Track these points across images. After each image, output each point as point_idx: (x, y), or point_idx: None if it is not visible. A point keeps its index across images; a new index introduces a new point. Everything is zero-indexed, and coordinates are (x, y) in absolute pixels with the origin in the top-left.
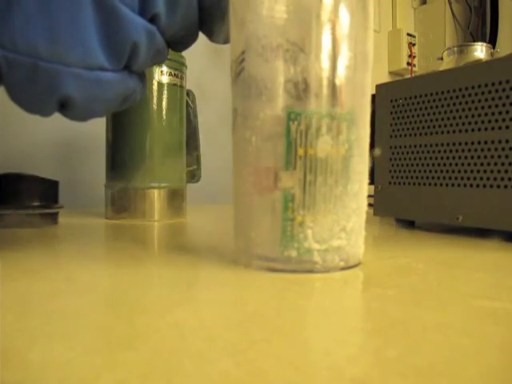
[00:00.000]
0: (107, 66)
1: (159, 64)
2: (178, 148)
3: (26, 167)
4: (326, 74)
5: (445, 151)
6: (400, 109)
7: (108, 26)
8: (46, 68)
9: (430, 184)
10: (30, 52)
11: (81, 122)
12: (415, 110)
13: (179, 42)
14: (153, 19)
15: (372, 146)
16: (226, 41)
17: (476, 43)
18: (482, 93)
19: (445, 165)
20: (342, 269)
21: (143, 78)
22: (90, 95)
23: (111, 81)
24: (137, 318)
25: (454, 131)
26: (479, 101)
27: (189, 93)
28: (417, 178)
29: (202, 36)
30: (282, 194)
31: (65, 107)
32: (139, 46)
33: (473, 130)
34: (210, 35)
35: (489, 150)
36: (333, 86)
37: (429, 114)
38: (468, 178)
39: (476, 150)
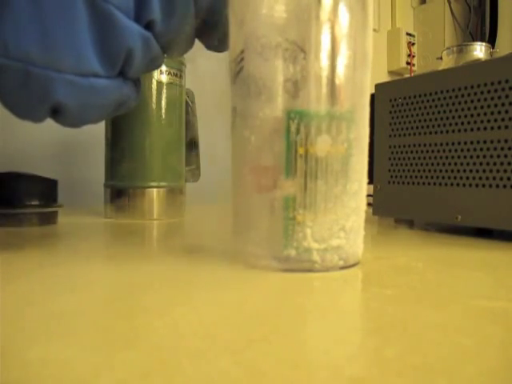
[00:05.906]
0: (101, 72)
1: (155, 70)
2: (177, 147)
3: (26, 166)
4: (325, 73)
5: (444, 151)
6: (399, 108)
7: (102, 32)
8: (38, 74)
9: (429, 183)
10: (22, 57)
11: (74, 128)
12: (414, 109)
13: (175, 48)
14: (148, 25)
15: (371, 145)
16: (224, 49)
17: (475, 43)
18: (481, 92)
19: (444, 164)
20: (341, 268)
21: (138, 84)
22: (83, 102)
23: (105, 87)
24: (136, 317)
25: (453, 131)
26: (478, 100)
27: (188, 92)
28: (416, 177)
29: None
30: (282, 193)
31: (57, 113)
32: (134, 52)
33: (472, 130)
34: (207, 43)
35: (488, 149)
36: (332, 85)
37: (428, 114)
38: (467, 178)
39: (475, 150)
